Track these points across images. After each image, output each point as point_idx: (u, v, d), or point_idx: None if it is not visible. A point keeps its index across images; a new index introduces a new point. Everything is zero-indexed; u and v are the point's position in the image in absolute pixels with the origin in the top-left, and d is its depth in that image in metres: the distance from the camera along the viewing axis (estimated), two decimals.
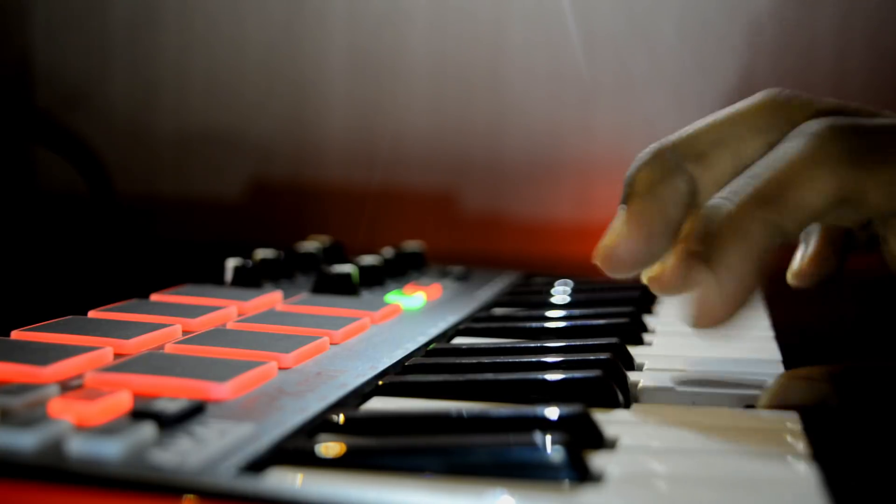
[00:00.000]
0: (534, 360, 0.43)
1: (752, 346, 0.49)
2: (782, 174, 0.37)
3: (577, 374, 0.39)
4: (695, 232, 0.37)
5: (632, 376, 0.44)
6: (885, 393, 0.40)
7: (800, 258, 0.49)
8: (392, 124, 0.87)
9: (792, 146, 0.37)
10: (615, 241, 0.41)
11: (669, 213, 0.40)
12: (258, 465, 0.30)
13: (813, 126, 0.38)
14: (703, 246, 0.37)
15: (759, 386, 0.41)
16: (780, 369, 0.46)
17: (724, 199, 0.37)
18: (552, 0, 0.83)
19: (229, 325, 0.48)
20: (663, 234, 0.40)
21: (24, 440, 0.29)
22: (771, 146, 0.39)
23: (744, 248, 0.36)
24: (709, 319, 0.37)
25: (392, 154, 0.87)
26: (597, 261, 0.42)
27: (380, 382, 0.41)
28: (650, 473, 0.31)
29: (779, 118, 0.40)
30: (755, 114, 0.41)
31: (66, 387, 0.36)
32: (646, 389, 0.42)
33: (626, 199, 0.41)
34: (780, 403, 0.39)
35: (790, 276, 0.49)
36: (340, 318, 0.49)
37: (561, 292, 0.64)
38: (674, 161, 0.41)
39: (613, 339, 0.46)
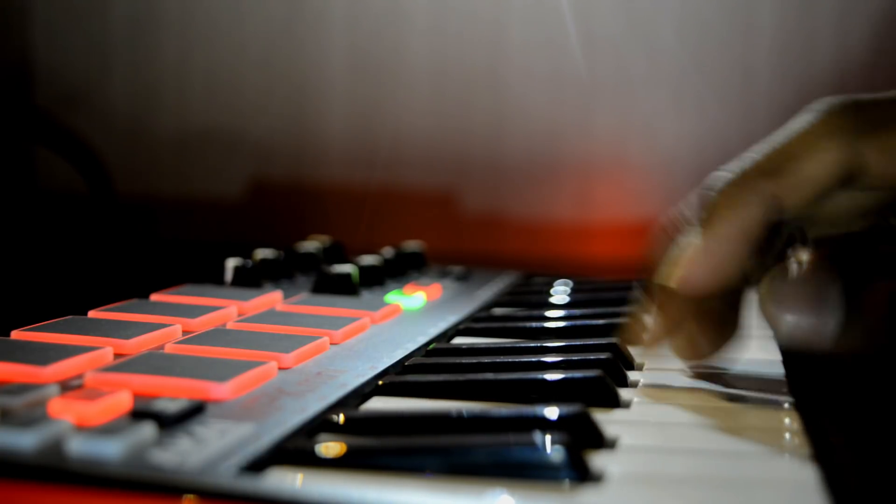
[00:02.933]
0: (534, 360, 0.43)
1: (752, 346, 0.49)
2: (785, 146, 0.38)
3: (577, 374, 0.39)
4: (697, 202, 0.39)
5: (632, 376, 0.44)
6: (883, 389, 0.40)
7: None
8: (392, 124, 0.87)
9: (797, 121, 0.38)
10: (691, 268, 0.40)
11: (742, 239, 0.39)
12: (258, 465, 0.30)
13: (817, 105, 0.38)
14: (703, 212, 0.38)
15: (758, 386, 0.42)
16: (781, 369, 0.46)
17: (729, 169, 0.38)
18: (552, 1, 0.83)
19: (229, 325, 0.48)
20: (735, 259, 0.40)
21: (24, 440, 0.29)
22: (848, 164, 0.38)
23: (737, 216, 0.37)
24: (691, 284, 0.38)
25: (392, 154, 0.87)
26: (674, 287, 0.41)
27: (380, 382, 0.41)
28: (650, 473, 0.31)
29: (847, 132, 0.39)
30: (824, 128, 0.39)
31: (66, 387, 0.36)
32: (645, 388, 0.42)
33: (703, 223, 0.40)
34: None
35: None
36: (340, 318, 0.49)
37: (561, 292, 0.64)
38: (752, 184, 0.39)
39: (613, 339, 0.46)
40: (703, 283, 0.39)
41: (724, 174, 0.39)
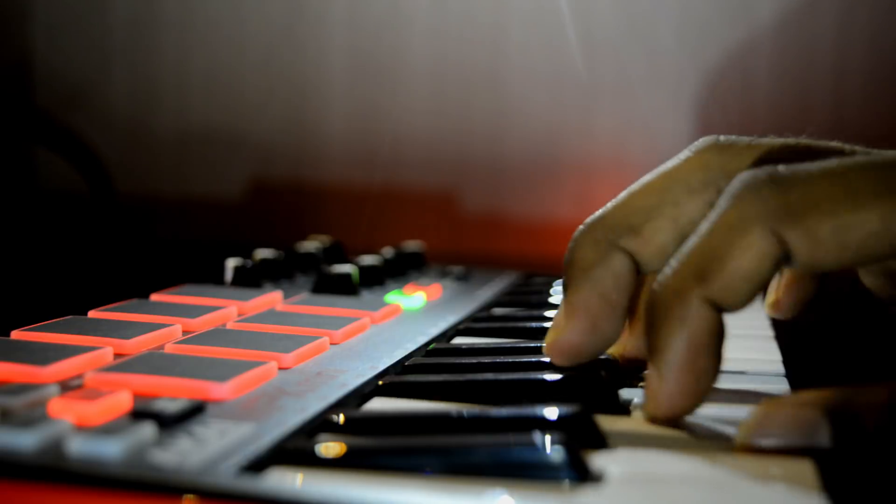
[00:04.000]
0: (534, 360, 0.43)
1: (753, 346, 0.49)
2: (711, 244, 0.34)
3: (577, 374, 0.39)
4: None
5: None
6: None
7: (775, 287, 0.47)
8: (392, 125, 0.87)
9: (716, 212, 0.35)
10: (560, 335, 0.39)
11: (612, 298, 0.38)
12: (258, 465, 0.30)
13: (734, 185, 0.35)
14: (647, 337, 0.35)
15: (758, 386, 0.41)
16: (781, 369, 0.46)
17: (659, 282, 0.35)
18: (551, 1, 0.83)
19: (229, 325, 0.48)
20: (609, 319, 0.39)
21: (24, 440, 0.29)
22: (710, 205, 0.37)
23: (684, 335, 0.34)
24: (660, 413, 0.35)
25: (392, 154, 0.87)
26: (546, 354, 0.40)
27: (380, 382, 0.41)
28: (650, 473, 0.31)
29: (712, 173, 0.38)
30: (688, 172, 0.38)
31: (66, 387, 0.36)
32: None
33: (565, 287, 0.40)
34: (758, 439, 0.33)
35: (767, 307, 0.47)
36: (340, 318, 0.49)
37: (560, 292, 0.63)
38: (607, 240, 0.39)
39: None
40: (676, 412, 0.35)
41: (659, 287, 0.35)
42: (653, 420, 0.36)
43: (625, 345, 0.43)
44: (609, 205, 0.39)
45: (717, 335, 0.35)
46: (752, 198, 0.34)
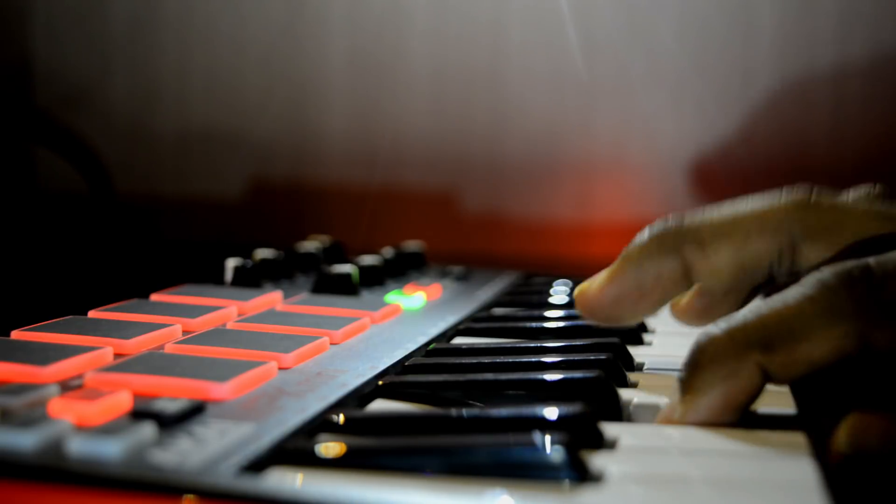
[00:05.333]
0: (534, 360, 0.43)
1: None
2: (790, 321, 0.35)
3: (577, 375, 0.39)
4: (684, 359, 0.37)
5: (632, 377, 0.44)
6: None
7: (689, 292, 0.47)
8: (392, 124, 0.87)
9: (802, 293, 0.35)
10: (591, 288, 0.44)
11: (645, 288, 0.42)
12: (258, 465, 0.30)
13: (826, 275, 0.36)
14: (686, 374, 0.36)
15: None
16: None
17: (724, 328, 0.36)
18: (551, 1, 0.83)
19: (229, 325, 0.48)
20: (633, 301, 0.43)
21: (24, 440, 0.29)
22: (779, 250, 0.40)
23: (724, 389, 0.36)
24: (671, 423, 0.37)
25: (392, 154, 0.87)
26: (574, 296, 0.45)
27: (380, 382, 0.41)
28: (650, 473, 0.31)
29: (790, 219, 0.41)
30: (767, 212, 0.41)
31: (66, 387, 0.36)
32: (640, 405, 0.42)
33: (621, 256, 0.43)
34: (858, 447, 0.33)
35: (674, 310, 0.47)
36: (340, 318, 0.49)
37: (561, 292, 0.64)
38: (673, 242, 0.42)
39: (613, 339, 0.46)
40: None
41: (717, 334, 0.36)
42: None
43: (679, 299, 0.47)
44: (692, 215, 0.43)
45: (753, 399, 0.36)
46: (846, 295, 0.35)
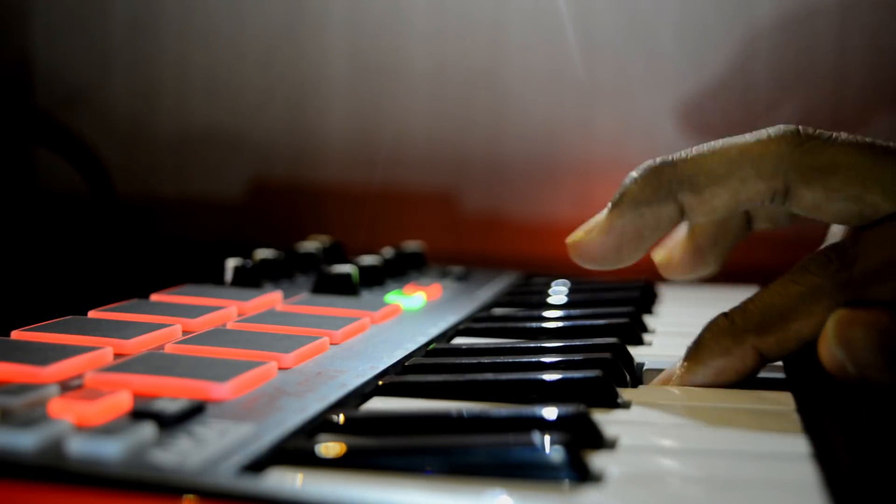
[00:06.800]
0: (534, 360, 0.43)
1: None
2: (779, 306, 0.40)
3: (577, 375, 0.39)
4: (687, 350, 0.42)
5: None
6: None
7: (673, 247, 0.51)
8: (392, 125, 0.87)
9: (788, 279, 0.40)
10: (589, 237, 0.44)
11: (645, 234, 0.43)
12: (258, 465, 0.30)
13: (806, 260, 0.40)
14: (691, 346, 0.42)
15: (758, 386, 0.41)
16: (781, 369, 0.46)
17: (725, 315, 0.41)
18: (551, 2, 0.83)
19: (229, 325, 0.48)
20: (634, 247, 0.43)
21: (24, 440, 0.29)
22: (773, 193, 0.41)
23: (720, 363, 0.41)
24: (671, 384, 0.42)
25: (392, 154, 0.87)
26: (567, 244, 0.45)
27: (380, 382, 0.41)
28: (650, 473, 0.31)
29: (784, 164, 0.41)
30: (761, 156, 0.41)
31: (66, 387, 0.36)
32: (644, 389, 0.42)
33: (614, 203, 0.43)
34: (845, 338, 0.38)
35: (662, 267, 0.51)
36: (340, 318, 0.49)
37: (560, 292, 0.64)
38: (669, 187, 0.42)
39: (613, 339, 0.46)
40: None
41: (720, 318, 0.41)
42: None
43: (670, 258, 0.51)
44: (682, 154, 0.43)
45: (743, 376, 0.41)
46: (824, 274, 0.39)
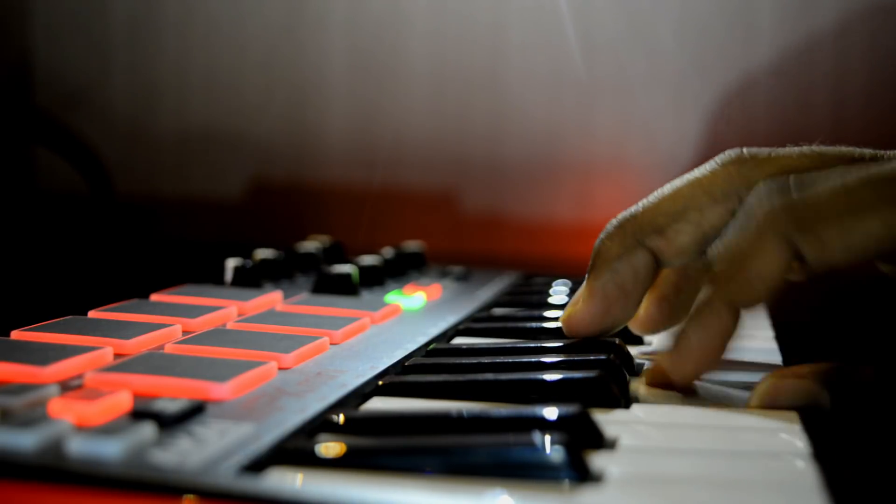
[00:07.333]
0: (533, 360, 0.43)
1: (753, 346, 0.49)
2: (733, 250, 0.40)
3: (577, 375, 0.39)
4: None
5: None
6: (878, 392, 0.40)
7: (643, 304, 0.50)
8: (392, 125, 0.87)
9: (737, 223, 0.41)
10: (576, 308, 0.45)
11: (627, 288, 0.44)
12: (258, 465, 0.30)
13: (751, 198, 0.40)
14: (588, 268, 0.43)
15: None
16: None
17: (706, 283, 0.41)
18: (551, 1, 0.83)
19: (229, 325, 0.48)
20: (622, 306, 0.44)
21: (24, 440, 0.29)
22: (732, 213, 0.42)
23: (699, 331, 0.40)
24: (669, 377, 0.41)
25: (392, 154, 0.87)
26: (561, 324, 0.46)
27: (380, 382, 0.41)
28: (650, 473, 0.31)
29: (735, 184, 0.42)
30: (712, 182, 0.43)
31: (66, 387, 0.36)
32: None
33: (589, 269, 0.45)
34: (770, 404, 0.39)
35: (632, 325, 0.49)
36: (340, 318, 0.49)
37: (561, 292, 0.64)
38: (634, 237, 0.44)
39: (613, 339, 0.46)
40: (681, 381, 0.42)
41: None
42: (655, 382, 0.42)
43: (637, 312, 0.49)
44: (640, 204, 0.44)
45: (728, 334, 0.40)
46: (767, 207, 0.39)
